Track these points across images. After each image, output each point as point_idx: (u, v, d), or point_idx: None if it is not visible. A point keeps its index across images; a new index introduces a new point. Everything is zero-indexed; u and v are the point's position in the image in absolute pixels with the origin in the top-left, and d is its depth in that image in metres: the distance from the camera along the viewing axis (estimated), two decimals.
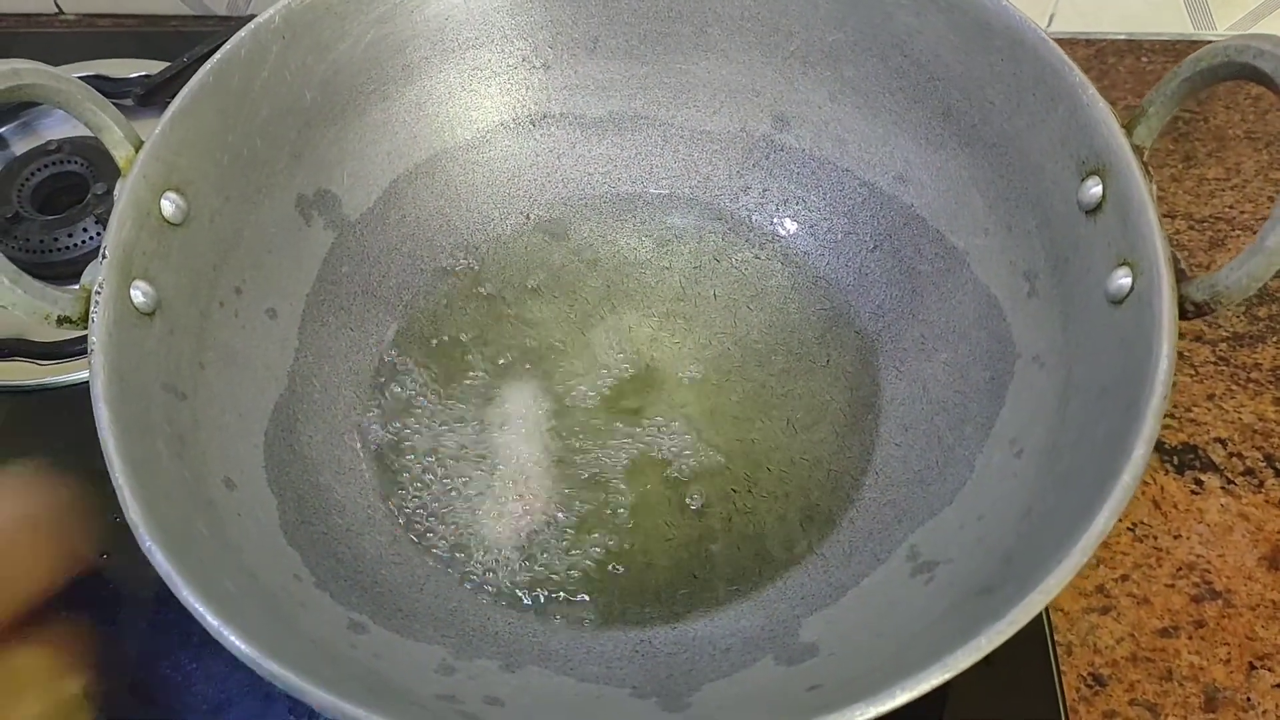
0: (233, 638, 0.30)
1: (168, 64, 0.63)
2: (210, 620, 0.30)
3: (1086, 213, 0.39)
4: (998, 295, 0.43)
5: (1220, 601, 0.51)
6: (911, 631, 0.34)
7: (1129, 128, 0.39)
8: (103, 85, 0.65)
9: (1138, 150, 0.38)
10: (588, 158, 0.52)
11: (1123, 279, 0.37)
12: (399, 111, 0.49)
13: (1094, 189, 0.39)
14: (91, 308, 0.37)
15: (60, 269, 0.57)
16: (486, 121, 0.51)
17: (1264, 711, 0.48)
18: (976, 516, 0.38)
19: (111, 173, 0.58)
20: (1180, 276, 0.36)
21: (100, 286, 0.37)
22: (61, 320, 0.37)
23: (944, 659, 0.29)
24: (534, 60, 0.51)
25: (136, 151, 0.41)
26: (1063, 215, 0.40)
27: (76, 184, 0.59)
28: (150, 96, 0.60)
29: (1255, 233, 0.67)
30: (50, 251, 0.57)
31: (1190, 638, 0.51)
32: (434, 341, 0.49)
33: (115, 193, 0.40)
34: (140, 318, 0.38)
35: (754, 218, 0.51)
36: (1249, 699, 0.48)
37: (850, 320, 0.48)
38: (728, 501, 0.44)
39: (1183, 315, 0.35)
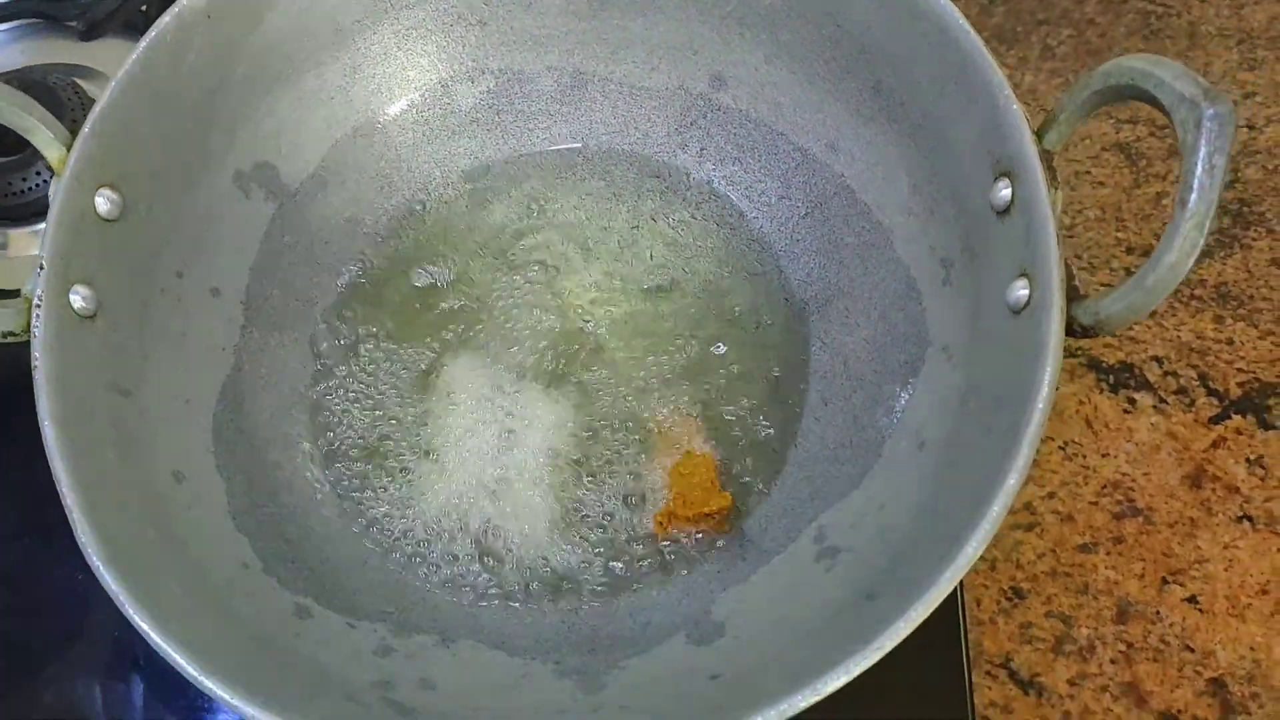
0: (181, 661, 0.33)
1: None
2: (157, 640, 0.34)
3: (998, 213, 0.40)
4: (917, 278, 0.44)
5: (1140, 519, 0.54)
6: (806, 626, 0.38)
7: (1040, 132, 0.39)
8: (46, 7, 0.64)
9: (1046, 156, 0.39)
10: (527, 113, 0.52)
11: (1021, 290, 0.38)
12: (334, 76, 0.49)
13: (1004, 191, 0.39)
14: (32, 321, 0.39)
15: (17, 212, 0.58)
16: (424, 80, 0.51)
17: (1170, 624, 0.52)
18: (879, 505, 0.41)
19: (60, 114, 0.58)
20: (1072, 295, 0.37)
21: (40, 299, 0.39)
22: (6, 335, 0.39)
23: (814, 683, 0.32)
24: (469, 17, 0.50)
25: (68, 150, 0.41)
26: (977, 209, 0.41)
27: None
28: (94, 31, 0.59)
29: None
30: (5, 196, 0.58)
31: (1109, 553, 0.54)
32: (378, 308, 0.50)
33: (50, 195, 0.41)
34: (81, 322, 0.40)
35: (692, 176, 0.52)
36: (1158, 612, 0.52)
37: (781, 286, 0.49)
38: (658, 470, 0.47)
39: (1070, 333, 0.37)
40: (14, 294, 0.56)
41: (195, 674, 0.33)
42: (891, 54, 0.44)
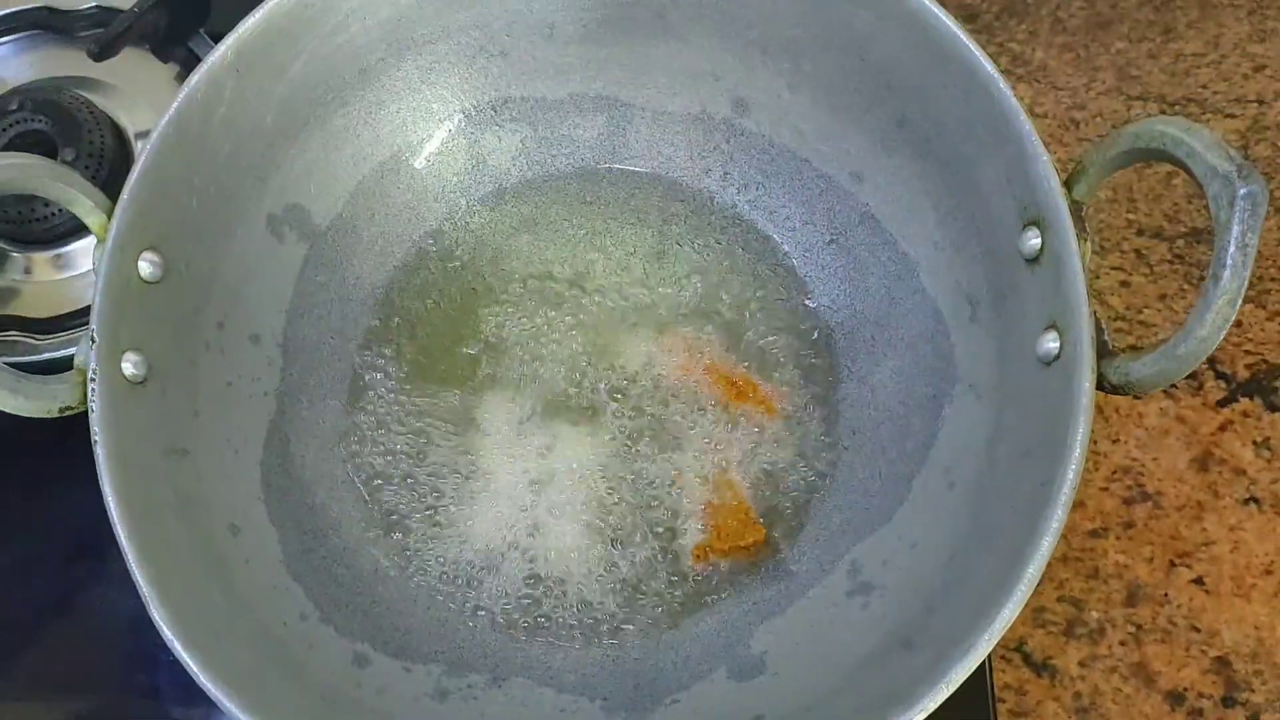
0: None
1: None
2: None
3: (1026, 261, 0.41)
4: (944, 311, 0.45)
5: (1150, 503, 0.56)
6: (845, 669, 0.39)
7: (1069, 183, 0.40)
8: (51, 19, 0.63)
9: (1076, 207, 0.39)
10: (551, 140, 0.52)
11: (1051, 343, 0.39)
12: (359, 114, 0.49)
13: (1033, 240, 0.40)
14: (89, 395, 0.39)
15: (40, 236, 0.58)
16: (447, 111, 0.51)
17: (1178, 605, 0.54)
18: (910, 544, 0.42)
19: (77, 135, 0.58)
20: (1103, 351, 0.38)
21: (94, 372, 0.40)
22: (64, 410, 0.40)
23: None
24: (490, 48, 0.50)
25: (109, 217, 0.42)
26: (1004, 253, 0.42)
27: (44, 142, 0.59)
28: (105, 52, 0.59)
29: (1228, 116, 0.67)
30: (29, 221, 0.58)
31: (1119, 538, 0.55)
32: (410, 340, 0.51)
33: (93, 264, 0.41)
34: (134, 389, 0.41)
35: (716, 200, 0.52)
36: (1166, 594, 0.54)
37: (807, 313, 0.50)
38: (693, 501, 0.48)
39: (1099, 388, 0.38)
40: (41, 321, 0.57)
41: None
42: (918, 90, 0.44)
